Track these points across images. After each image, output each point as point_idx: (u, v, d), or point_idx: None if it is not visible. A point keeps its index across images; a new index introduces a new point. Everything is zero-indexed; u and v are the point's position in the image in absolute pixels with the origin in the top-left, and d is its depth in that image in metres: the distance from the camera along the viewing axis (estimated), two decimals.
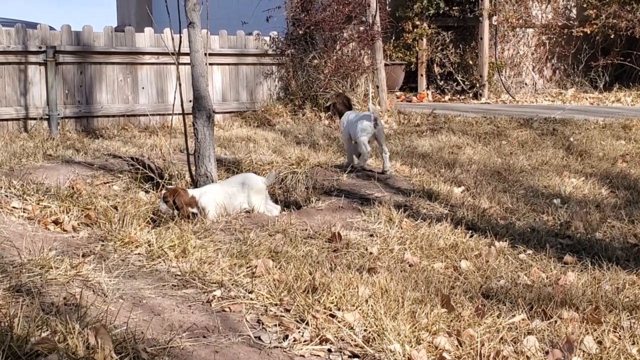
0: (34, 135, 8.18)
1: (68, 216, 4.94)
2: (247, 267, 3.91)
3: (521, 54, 13.87)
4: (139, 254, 4.14)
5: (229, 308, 3.36)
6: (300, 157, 6.81)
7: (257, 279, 3.71)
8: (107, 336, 2.71)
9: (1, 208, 5.03)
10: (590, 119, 9.29)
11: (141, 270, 3.87)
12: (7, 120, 8.55)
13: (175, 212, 4.94)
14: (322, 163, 6.71)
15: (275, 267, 3.91)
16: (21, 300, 3.16)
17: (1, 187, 5.47)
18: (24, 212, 4.97)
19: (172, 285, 3.66)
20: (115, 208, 5.12)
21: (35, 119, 8.63)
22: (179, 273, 3.83)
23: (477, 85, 12.90)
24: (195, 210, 5.03)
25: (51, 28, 9.01)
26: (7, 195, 5.33)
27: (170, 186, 5.27)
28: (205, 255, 4.11)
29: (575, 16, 14.15)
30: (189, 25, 5.58)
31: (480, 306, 3.44)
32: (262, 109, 10.24)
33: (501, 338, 3.13)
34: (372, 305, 3.28)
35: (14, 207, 5.01)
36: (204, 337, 3.03)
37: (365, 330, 3.10)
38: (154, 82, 9.55)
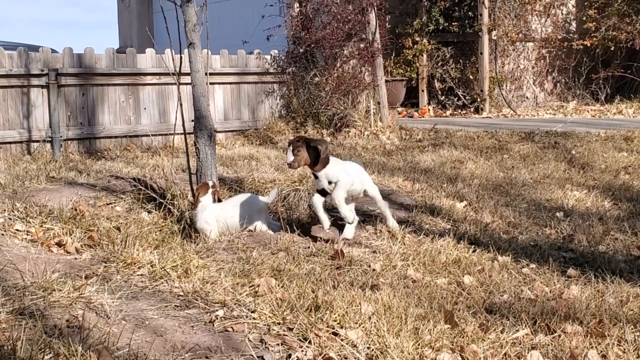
0: (37, 158, 8.21)
1: (71, 238, 4.95)
2: (250, 286, 3.90)
3: (522, 67, 13.92)
4: (141, 274, 4.14)
5: (232, 328, 3.36)
6: (303, 174, 6.82)
7: (260, 298, 3.71)
8: (109, 358, 2.72)
9: (4, 231, 5.04)
10: (592, 131, 9.30)
11: (144, 291, 3.87)
12: (10, 143, 8.59)
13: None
14: None
15: (278, 285, 3.91)
16: (24, 323, 3.17)
17: (4, 210, 5.49)
18: (27, 234, 4.97)
19: (175, 305, 3.65)
20: (118, 229, 5.13)
21: (38, 141, 8.68)
22: (182, 293, 3.83)
23: (478, 99, 12.93)
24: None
25: (53, 51, 9.07)
26: (10, 218, 5.34)
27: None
28: (208, 274, 4.11)
29: (574, 29, 14.20)
30: (189, 45, 5.62)
31: (483, 321, 3.43)
32: (264, 127, 10.28)
33: (505, 353, 3.12)
34: (375, 323, 3.28)
35: (17, 230, 5.02)
36: (207, 357, 3.03)
37: (368, 348, 3.09)
38: (155, 102, 9.60)
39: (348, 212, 4.99)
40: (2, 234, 5.01)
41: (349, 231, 5.09)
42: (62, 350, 2.81)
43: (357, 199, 5.38)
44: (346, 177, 5.01)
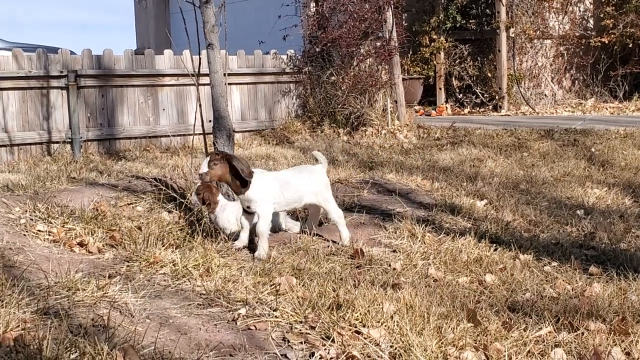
0: (57, 159, 8.28)
1: (93, 238, 4.99)
2: (271, 285, 3.92)
3: (539, 65, 13.84)
4: (164, 273, 4.17)
5: (255, 326, 3.37)
6: None
7: (281, 296, 3.72)
8: (135, 357, 2.74)
9: (27, 231, 5.10)
10: (611, 128, 9.23)
11: (167, 290, 3.90)
12: (30, 144, 8.67)
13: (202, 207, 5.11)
14: (342, 179, 6.72)
15: (299, 284, 3.92)
16: (49, 322, 3.20)
17: (26, 211, 5.54)
18: (49, 235, 5.02)
19: (198, 304, 3.68)
20: (140, 229, 5.16)
21: (58, 142, 8.75)
22: (204, 292, 3.85)
23: (497, 97, 12.87)
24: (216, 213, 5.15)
25: (72, 52, 9.14)
26: (32, 219, 5.39)
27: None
28: (229, 273, 4.13)
29: (592, 26, 14.10)
30: (208, 46, 5.64)
31: (506, 320, 3.42)
32: (281, 126, 10.29)
33: (528, 351, 3.11)
34: (397, 321, 3.28)
35: (39, 231, 5.07)
36: (231, 355, 3.05)
37: (391, 347, 3.10)
38: (174, 103, 9.65)
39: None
40: (25, 235, 5.07)
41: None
42: (88, 349, 2.83)
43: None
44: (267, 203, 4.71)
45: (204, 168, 4.70)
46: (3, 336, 3.01)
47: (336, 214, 5.01)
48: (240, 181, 4.67)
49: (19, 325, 3.16)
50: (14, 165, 7.83)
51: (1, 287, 3.66)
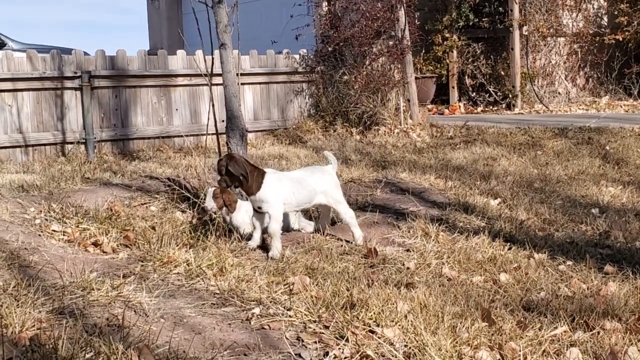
0: (71, 159, 8.32)
1: (107, 238, 5.01)
2: (285, 285, 3.92)
3: (553, 63, 13.76)
4: (177, 273, 4.18)
5: (268, 325, 3.38)
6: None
7: (295, 296, 3.72)
8: (150, 356, 2.75)
9: (42, 232, 5.13)
10: (626, 126, 9.16)
11: (181, 290, 3.91)
12: (44, 145, 8.72)
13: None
14: (355, 178, 6.71)
15: (312, 283, 3.92)
16: (64, 322, 3.21)
17: (41, 211, 5.58)
18: (63, 234, 5.05)
19: (212, 303, 3.68)
20: (153, 228, 5.18)
21: (72, 143, 8.79)
22: (218, 291, 3.86)
23: (510, 95, 12.81)
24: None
25: (85, 53, 9.18)
26: (47, 219, 5.43)
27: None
28: (243, 273, 4.14)
29: (606, 24, 14.00)
30: (221, 46, 5.65)
31: (521, 319, 3.40)
32: (294, 126, 10.30)
33: (544, 351, 3.09)
34: (411, 321, 3.27)
35: (54, 231, 5.10)
36: (245, 355, 3.05)
37: (405, 346, 3.09)
38: (187, 103, 9.67)
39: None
40: (40, 235, 5.10)
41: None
42: (103, 349, 2.85)
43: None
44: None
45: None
46: (19, 335, 3.03)
47: (348, 214, 5.00)
48: (246, 184, 4.69)
49: (34, 325, 3.18)
50: (29, 165, 7.88)
51: (17, 287, 3.69)
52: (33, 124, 8.65)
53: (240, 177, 4.64)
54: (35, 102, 8.65)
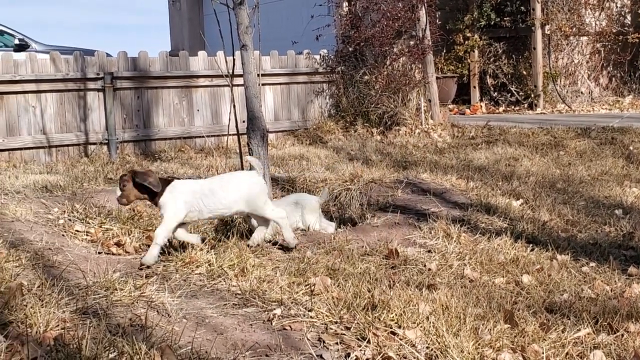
0: (94, 160, 8.40)
1: (129, 238, 5.05)
2: (306, 285, 3.92)
3: (576, 62, 13.64)
4: (199, 273, 4.20)
5: (290, 326, 3.38)
6: (354, 173, 6.81)
7: (316, 297, 3.72)
8: (172, 356, 2.76)
9: (65, 232, 5.18)
10: None
11: (202, 290, 3.93)
12: (68, 145, 8.81)
13: None
14: (376, 179, 6.70)
15: (334, 284, 3.91)
16: (88, 322, 3.24)
17: (64, 212, 5.63)
18: (86, 235, 5.10)
19: (233, 304, 3.70)
20: None
21: (95, 143, 8.87)
22: (239, 292, 3.87)
23: (532, 95, 12.73)
24: None
25: (108, 55, 9.26)
26: (70, 219, 5.48)
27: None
28: (264, 273, 4.14)
29: (630, 22, 13.86)
30: (242, 47, 5.66)
31: (544, 321, 3.38)
32: (314, 126, 10.31)
33: (567, 353, 3.06)
34: (433, 322, 3.25)
35: (77, 231, 5.15)
36: (267, 355, 3.06)
37: (427, 348, 3.08)
38: (208, 104, 9.72)
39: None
40: (63, 235, 5.15)
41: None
42: (126, 349, 2.87)
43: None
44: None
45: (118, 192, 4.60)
46: (43, 335, 3.06)
47: (275, 216, 4.74)
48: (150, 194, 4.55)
49: (58, 325, 3.21)
50: (52, 166, 7.96)
51: (41, 287, 3.73)
52: (56, 125, 8.74)
53: (148, 186, 4.48)
54: (59, 103, 8.74)
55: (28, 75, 8.53)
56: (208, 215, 4.71)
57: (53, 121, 8.72)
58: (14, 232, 4.96)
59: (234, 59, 6.01)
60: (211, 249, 4.61)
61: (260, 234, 4.84)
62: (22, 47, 13.88)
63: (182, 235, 4.68)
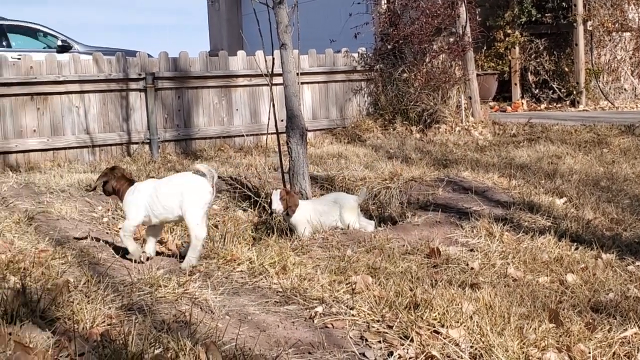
0: (136, 159, 8.51)
1: (172, 236, 5.11)
2: (347, 284, 3.92)
3: (618, 58, 13.38)
4: (241, 271, 4.23)
5: (332, 324, 3.38)
6: (393, 171, 6.79)
7: (357, 295, 3.72)
8: (217, 352, 2.78)
9: (109, 230, 5.27)
10: None
11: (244, 287, 3.96)
12: (111, 145, 8.94)
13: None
14: (416, 177, 6.66)
15: (375, 283, 3.91)
16: (134, 318, 3.29)
17: (108, 210, 5.73)
18: None
19: (275, 301, 3.72)
20: (216, 227, 5.26)
21: (137, 143, 8.99)
22: (281, 289, 3.89)
23: (574, 92, 12.52)
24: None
25: (149, 55, 9.37)
26: (114, 217, 5.57)
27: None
28: (305, 271, 4.16)
29: None
30: (281, 46, 5.69)
31: (589, 320, 3.32)
32: (352, 125, 10.29)
33: (614, 353, 3.01)
34: (477, 322, 3.23)
35: (121, 229, 5.22)
36: (310, 353, 3.06)
37: (471, 347, 3.05)
38: (247, 103, 9.77)
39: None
40: (107, 233, 5.24)
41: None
42: (171, 345, 2.90)
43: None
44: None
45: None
46: (90, 331, 3.12)
47: (193, 233, 4.43)
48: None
49: (104, 321, 3.26)
50: (96, 165, 8.09)
51: (87, 284, 3.80)
52: (99, 125, 8.88)
53: (112, 188, 4.65)
54: (102, 103, 8.88)
55: (71, 76, 8.67)
56: (156, 219, 4.57)
57: (96, 121, 8.86)
58: (59, 230, 5.06)
59: (273, 58, 6.03)
60: (252, 246, 4.65)
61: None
62: (64, 48, 14.12)
63: (149, 249, 4.64)
